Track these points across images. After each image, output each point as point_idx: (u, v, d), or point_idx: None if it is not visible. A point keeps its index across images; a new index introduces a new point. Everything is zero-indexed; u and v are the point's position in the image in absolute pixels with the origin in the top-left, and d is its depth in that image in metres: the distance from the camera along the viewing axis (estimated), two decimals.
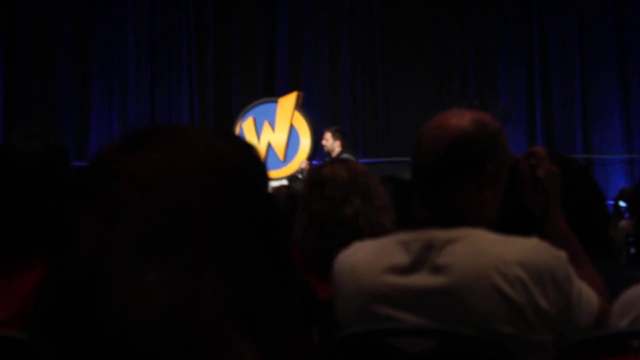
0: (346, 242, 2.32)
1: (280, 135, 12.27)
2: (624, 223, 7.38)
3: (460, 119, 2.16)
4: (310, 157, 11.53)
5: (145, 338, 0.93)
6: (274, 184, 9.72)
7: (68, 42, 14.37)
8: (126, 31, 14.58)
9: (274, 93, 13.57)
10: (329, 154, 10.91)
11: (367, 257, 2.18)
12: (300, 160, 11.94)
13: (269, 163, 11.75)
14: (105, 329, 0.94)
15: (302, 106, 12.46)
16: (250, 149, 1.09)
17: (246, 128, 12.37)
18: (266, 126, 12.36)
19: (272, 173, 11.47)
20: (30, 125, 12.59)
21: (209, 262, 0.96)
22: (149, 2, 14.62)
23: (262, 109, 12.50)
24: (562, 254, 2.04)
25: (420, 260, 2.07)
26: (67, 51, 14.35)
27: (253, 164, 1.07)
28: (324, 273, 2.48)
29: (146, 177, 0.97)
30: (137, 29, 14.60)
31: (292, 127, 12.24)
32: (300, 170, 11.37)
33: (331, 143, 10.97)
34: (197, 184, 0.98)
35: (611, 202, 8.80)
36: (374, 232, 2.79)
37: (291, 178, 11.63)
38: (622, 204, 8.21)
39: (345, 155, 10.64)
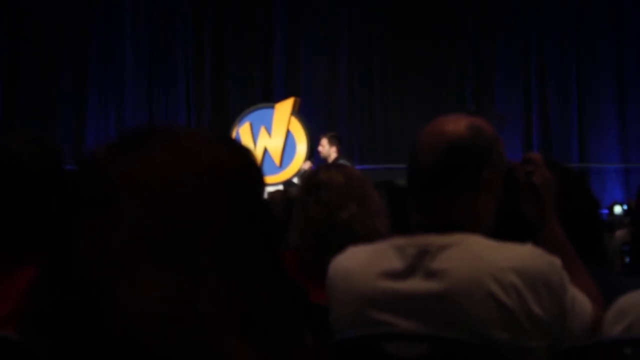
0: (341, 247, 2.32)
1: (276, 140, 12.28)
2: (619, 232, 7.39)
3: (456, 124, 2.16)
4: (313, 160, 11.53)
5: (145, 341, 0.93)
6: (269, 189, 9.73)
7: (66, 47, 14.40)
8: (124, 36, 14.60)
9: (271, 99, 13.58)
10: (324, 160, 10.92)
11: (361, 262, 2.18)
12: (297, 165, 11.95)
13: (266, 168, 11.76)
14: (104, 332, 0.94)
15: (299, 112, 12.47)
16: (246, 152, 1.09)
17: (243, 133, 12.38)
18: (263, 131, 12.37)
19: (269, 178, 11.48)
20: (27, 128, 12.65)
21: (207, 264, 0.96)
22: (147, 7, 14.64)
23: (258, 114, 12.52)
24: (557, 261, 2.04)
25: (415, 266, 2.07)
26: (65, 56, 14.38)
27: (249, 167, 1.07)
28: (320, 278, 2.48)
29: (143, 178, 0.97)
30: (134, 34, 14.63)
31: (288, 133, 12.26)
32: (302, 172, 11.36)
33: (327, 149, 10.98)
34: (195, 185, 0.98)
35: (606, 211, 8.81)
36: (369, 237, 2.79)
37: (287, 183, 11.64)
38: (617, 212, 8.23)
39: (341, 162, 10.65)
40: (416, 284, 2.06)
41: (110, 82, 14.58)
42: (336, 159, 10.91)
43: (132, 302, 0.93)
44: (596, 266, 2.48)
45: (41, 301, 1.02)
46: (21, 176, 2.48)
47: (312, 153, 11.99)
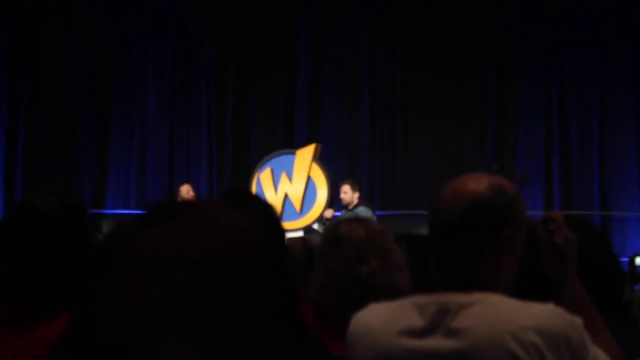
0: (362, 301, 2.32)
1: (297, 186, 12.31)
2: None
3: (478, 183, 2.17)
4: (335, 207, 11.53)
5: None
6: (289, 235, 9.73)
7: (89, 89, 14.50)
8: (147, 79, 14.70)
9: (293, 144, 13.62)
10: (347, 206, 10.94)
11: (381, 319, 2.18)
12: (318, 211, 11.96)
13: (286, 214, 11.77)
14: None
15: (320, 158, 12.50)
16: (267, 215, 1.10)
17: (264, 179, 12.42)
18: (284, 177, 12.40)
19: (289, 224, 11.48)
20: (49, 185, 12.70)
21: (231, 340, 0.97)
22: (171, 51, 14.75)
23: (279, 160, 12.56)
24: (578, 320, 2.04)
25: (436, 324, 2.07)
26: (88, 98, 14.49)
27: (272, 238, 1.08)
28: (339, 331, 2.48)
29: (167, 252, 0.98)
30: (157, 76, 14.72)
31: (309, 179, 12.28)
32: (324, 220, 11.37)
33: (350, 195, 11.02)
34: (218, 258, 0.99)
35: (626, 260, 8.75)
36: (390, 291, 2.79)
37: (307, 229, 11.65)
38: (638, 262, 8.17)
39: (362, 208, 10.68)
40: (436, 343, 2.06)
41: (133, 125, 14.66)
42: (357, 205, 10.94)
43: None
44: (617, 322, 2.48)
45: None
46: (44, 232, 2.50)
47: (333, 200, 12.01)
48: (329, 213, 11.38)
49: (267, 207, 1.13)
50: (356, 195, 11.07)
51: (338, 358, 2.55)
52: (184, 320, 0.96)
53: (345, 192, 11.08)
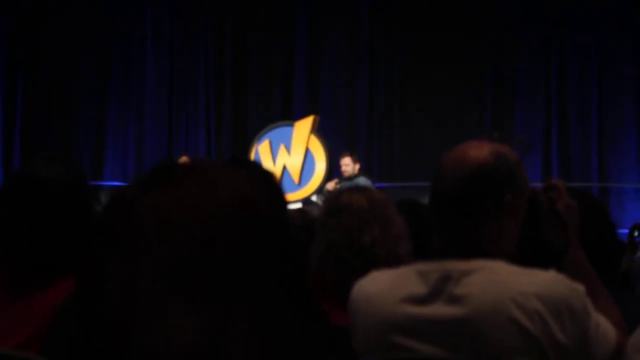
0: (363, 271, 2.32)
1: (296, 158, 12.31)
2: None
3: (480, 150, 2.17)
4: (337, 178, 11.54)
5: None
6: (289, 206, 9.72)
7: (86, 65, 14.45)
8: (145, 54, 14.65)
9: (291, 117, 13.60)
10: (348, 178, 10.97)
11: (384, 287, 2.19)
12: (316, 183, 11.97)
13: (284, 186, 11.74)
14: None
15: (319, 130, 12.49)
16: (270, 180, 1.10)
17: (262, 151, 12.41)
18: (282, 149, 12.39)
19: (287, 196, 11.45)
20: (48, 148, 12.69)
21: (236, 301, 0.96)
22: (168, 26, 14.70)
23: (278, 132, 12.55)
24: (580, 287, 2.04)
25: (438, 291, 2.08)
26: (86, 70, 14.43)
27: (274, 197, 1.08)
28: (341, 301, 2.48)
29: (170, 215, 0.98)
30: (155, 52, 14.67)
31: (307, 151, 12.28)
32: (325, 192, 11.40)
33: (352, 167, 11.09)
34: (221, 221, 0.98)
35: (626, 232, 8.76)
36: (391, 260, 2.79)
37: (306, 201, 11.65)
38: (636, 233, 8.19)
39: (362, 178, 10.71)
40: (438, 309, 2.06)
41: (131, 100, 14.62)
42: (357, 175, 10.99)
43: (160, 338, 0.94)
44: (617, 291, 2.48)
45: (69, 328, 1.03)
46: (47, 198, 2.49)
47: (332, 171, 12.02)
48: (332, 185, 11.40)
49: (268, 173, 1.12)
50: (357, 166, 11.16)
51: (339, 326, 2.56)
52: (188, 284, 0.95)
53: (346, 164, 11.14)
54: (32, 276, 2.44)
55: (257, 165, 1.12)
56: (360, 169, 11.26)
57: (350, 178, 10.99)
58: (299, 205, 10.80)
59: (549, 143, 13.93)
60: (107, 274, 0.97)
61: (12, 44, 14.27)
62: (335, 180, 11.51)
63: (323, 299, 2.86)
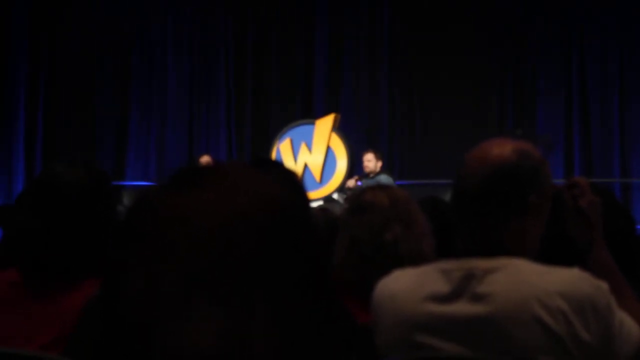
0: (386, 269, 2.32)
1: (317, 156, 12.31)
2: None
3: (502, 148, 2.16)
4: (358, 176, 11.55)
5: None
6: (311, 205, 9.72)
7: (108, 63, 14.49)
8: (166, 52, 14.68)
9: (312, 115, 13.60)
10: (368, 174, 11.00)
11: (407, 285, 2.18)
12: (337, 181, 11.97)
13: (306, 184, 11.74)
14: None
15: (340, 128, 12.49)
16: (293, 181, 1.10)
17: (283, 149, 12.42)
18: (303, 148, 12.40)
19: (309, 195, 11.45)
20: (70, 150, 12.72)
21: (260, 302, 0.97)
22: (189, 26, 14.72)
23: (299, 130, 12.55)
24: (603, 284, 2.03)
25: (461, 289, 2.07)
26: (107, 75, 14.47)
27: (297, 198, 1.08)
28: (363, 299, 2.48)
29: (193, 219, 0.98)
30: (176, 51, 14.70)
31: (329, 149, 12.28)
32: (346, 189, 11.42)
33: (374, 163, 11.13)
34: (246, 225, 0.98)
35: None
36: (414, 258, 2.78)
37: (327, 199, 11.66)
38: None
39: (384, 176, 10.72)
40: (462, 308, 2.06)
41: (152, 101, 14.65)
42: (379, 173, 11.01)
43: (183, 340, 0.94)
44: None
45: (92, 331, 1.04)
46: (68, 201, 2.50)
47: (353, 169, 12.02)
48: (352, 182, 11.41)
49: (291, 173, 1.13)
50: (379, 164, 11.20)
51: (362, 325, 2.56)
52: (211, 285, 0.96)
53: (369, 160, 11.18)
54: (55, 279, 2.45)
55: (280, 165, 1.12)
56: (382, 167, 11.28)
57: (372, 175, 11.01)
58: (320, 204, 10.81)
59: (570, 140, 13.87)
60: (130, 276, 0.97)
61: (33, 46, 14.33)
62: (356, 177, 11.51)
63: (346, 297, 2.86)
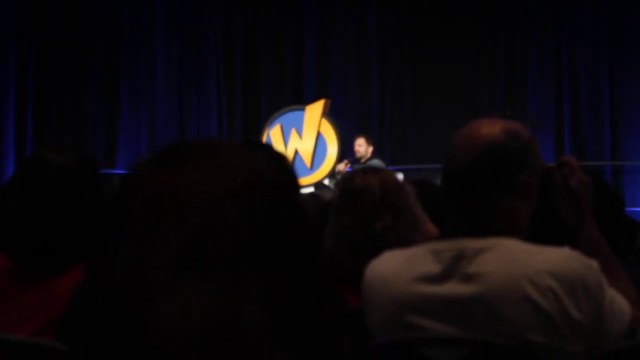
0: (375, 256, 2.31)
1: (307, 142, 12.29)
2: None
3: (491, 128, 2.16)
4: (349, 159, 11.55)
5: (187, 356, 0.94)
6: (302, 191, 9.70)
7: (97, 53, 14.44)
8: (155, 41, 14.63)
9: (302, 101, 13.58)
10: (359, 159, 11.01)
11: (397, 267, 2.18)
12: (328, 167, 11.96)
13: (296, 170, 11.74)
14: (145, 346, 0.94)
15: (330, 114, 12.48)
16: (282, 161, 1.09)
17: (273, 136, 12.40)
18: (293, 134, 12.38)
19: (300, 180, 11.44)
20: (60, 137, 12.69)
21: (249, 279, 0.96)
22: (178, 13, 14.68)
23: (289, 116, 12.53)
24: (594, 263, 2.03)
25: (452, 269, 2.07)
26: (97, 61, 14.42)
27: (286, 177, 1.08)
28: (353, 285, 2.48)
29: (182, 195, 0.97)
30: (165, 39, 14.65)
31: (319, 135, 12.26)
32: (337, 173, 11.42)
33: (365, 148, 11.15)
34: (235, 201, 0.98)
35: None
36: (404, 247, 2.78)
37: (318, 185, 11.65)
38: None
39: (376, 161, 10.72)
40: (453, 288, 2.06)
41: (141, 87, 14.61)
42: (370, 158, 11.02)
43: (174, 315, 0.94)
44: (632, 267, 2.48)
45: (83, 312, 1.03)
46: (56, 185, 2.50)
47: (344, 154, 12.01)
48: (342, 166, 11.41)
49: (280, 154, 1.12)
50: (370, 149, 11.22)
51: (353, 308, 2.56)
52: (201, 263, 0.95)
53: (360, 145, 11.20)
54: (45, 264, 2.45)
55: (269, 146, 1.12)
56: (373, 152, 11.29)
57: (363, 161, 11.01)
58: (311, 190, 10.80)
59: (561, 124, 13.88)
60: (119, 254, 0.97)
61: (22, 33, 14.27)
62: (345, 162, 11.51)
63: (336, 283, 2.86)
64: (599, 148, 13.68)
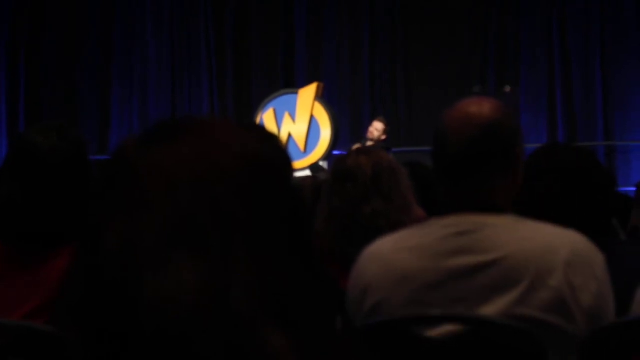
0: (364, 240, 2.28)
1: (300, 126, 12.29)
2: None
3: (481, 107, 2.15)
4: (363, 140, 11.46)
5: (178, 331, 0.93)
6: (296, 174, 9.71)
7: (89, 38, 14.43)
8: (147, 25, 14.61)
9: (295, 84, 13.57)
10: (366, 142, 10.88)
11: (394, 245, 2.16)
12: (322, 150, 11.96)
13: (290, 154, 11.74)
14: (137, 324, 0.94)
15: (323, 97, 12.47)
16: (274, 140, 1.09)
17: (267, 119, 12.39)
18: (287, 117, 12.37)
19: (294, 164, 11.43)
20: (50, 120, 12.73)
21: (239, 254, 0.96)
22: None
23: (282, 100, 12.52)
24: (599, 252, 2.05)
25: (454, 244, 2.05)
26: (89, 46, 14.42)
27: (278, 155, 1.07)
28: (343, 266, 2.48)
29: (172, 172, 0.97)
30: (157, 24, 14.64)
31: (312, 118, 12.26)
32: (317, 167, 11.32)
33: (379, 135, 11.01)
34: (225, 176, 0.98)
35: (633, 189, 8.74)
36: (394, 230, 2.78)
37: (314, 167, 11.64)
38: None
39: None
40: (460, 262, 2.04)
41: (134, 72, 14.60)
42: (375, 145, 10.81)
43: (164, 291, 0.94)
44: (628, 244, 2.49)
45: (74, 292, 1.03)
46: (43, 167, 2.49)
47: (337, 138, 12.01)
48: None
49: (273, 134, 1.12)
50: (384, 137, 11.06)
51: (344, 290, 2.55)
52: (190, 237, 0.95)
53: (377, 129, 11.05)
54: (37, 247, 2.44)
55: (261, 126, 1.11)
56: (384, 140, 11.10)
57: (370, 144, 10.84)
58: (307, 173, 10.79)
59: (553, 104, 13.88)
60: (108, 230, 0.97)
61: (14, 18, 14.24)
62: (357, 145, 11.46)
63: (326, 264, 2.86)
64: (592, 128, 13.70)
